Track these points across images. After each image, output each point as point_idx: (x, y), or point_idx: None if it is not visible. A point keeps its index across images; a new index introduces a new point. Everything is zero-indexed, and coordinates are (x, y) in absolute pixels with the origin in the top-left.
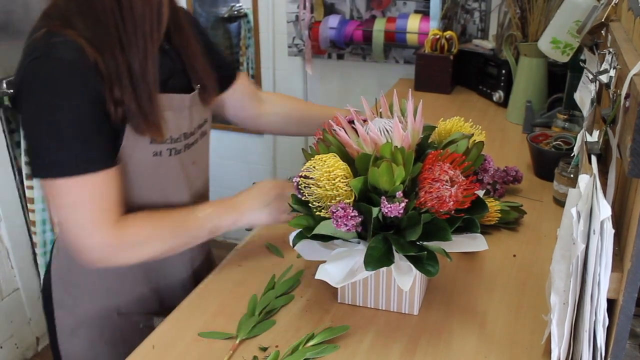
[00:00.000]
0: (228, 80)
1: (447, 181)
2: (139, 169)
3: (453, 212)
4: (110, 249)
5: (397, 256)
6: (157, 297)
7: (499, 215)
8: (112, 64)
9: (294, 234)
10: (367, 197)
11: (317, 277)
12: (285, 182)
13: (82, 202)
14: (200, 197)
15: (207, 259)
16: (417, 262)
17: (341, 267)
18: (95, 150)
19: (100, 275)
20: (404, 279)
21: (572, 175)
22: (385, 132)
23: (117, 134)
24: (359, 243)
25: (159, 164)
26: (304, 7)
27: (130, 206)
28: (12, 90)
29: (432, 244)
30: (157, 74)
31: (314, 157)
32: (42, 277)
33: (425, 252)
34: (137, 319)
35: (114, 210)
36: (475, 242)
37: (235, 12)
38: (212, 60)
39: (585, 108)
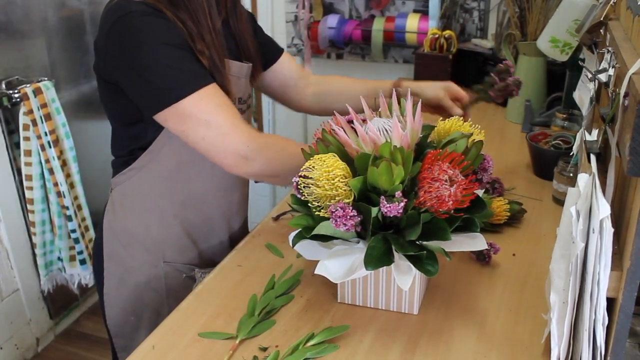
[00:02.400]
0: (272, 58)
1: (446, 181)
2: None
3: (452, 211)
4: (252, 146)
5: (397, 256)
6: (199, 251)
7: (508, 213)
8: (188, 24)
9: (293, 234)
10: (366, 196)
11: (316, 272)
12: None
13: (213, 110)
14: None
15: (244, 224)
16: (416, 261)
17: (341, 263)
18: (201, 69)
19: (148, 226)
20: (404, 279)
21: (571, 174)
22: (385, 132)
23: None
24: (358, 243)
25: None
26: (303, 7)
27: (177, 168)
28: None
29: (432, 244)
30: (221, 36)
31: (313, 156)
32: (41, 280)
33: (425, 252)
34: (181, 269)
35: (239, 116)
36: (474, 241)
37: None
38: (259, 41)
39: (585, 107)
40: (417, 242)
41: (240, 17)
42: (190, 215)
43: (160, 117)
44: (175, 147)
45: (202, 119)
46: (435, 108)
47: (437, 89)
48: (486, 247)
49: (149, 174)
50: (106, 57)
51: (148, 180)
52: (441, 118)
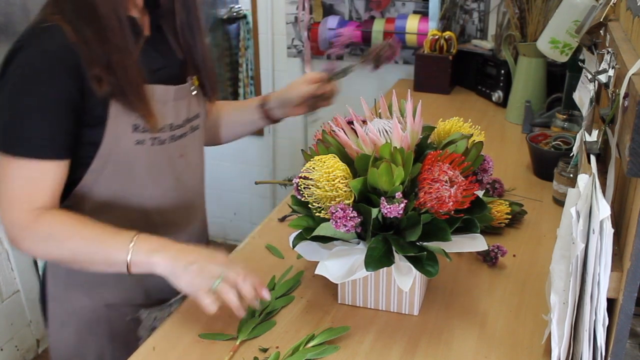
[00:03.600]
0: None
1: (446, 181)
2: (121, 157)
3: (452, 212)
4: (21, 233)
5: (397, 256)
6: (144, 290)
7: (509, 216)
8: (92, 44)
9: (293, 235)
10: (366, 197)
11: (316, 272)
12: (231, 272)
13: (12, 180)
14: (193, 194)
15: None
16: (416, 262)
17: (341, 264)
18: (45, 137)
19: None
20: (404, 280)
21: (571, 175)
22: (385, 133)
23: (99, 123)
24: (358, 244)
25: (142, 154)
26: (303, 8)
27: (114, 197)
28: None
29: (432, 245)
30: (137, 62)
31: (313, 158)
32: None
33: (425, 253)
34: (124, 311)
35: (41, 200)
36: (475, 242)
37: (235, 14)
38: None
39: (584, 108)
40: (418, 243)
41: (196, 31)
42: None
43: None
44: (106, 182)
45: (1, 179)
46: (309, 104)
47: (298, 84)
48: (486, 247)
49: (82, 211)
50: None
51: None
52: (441, 119)
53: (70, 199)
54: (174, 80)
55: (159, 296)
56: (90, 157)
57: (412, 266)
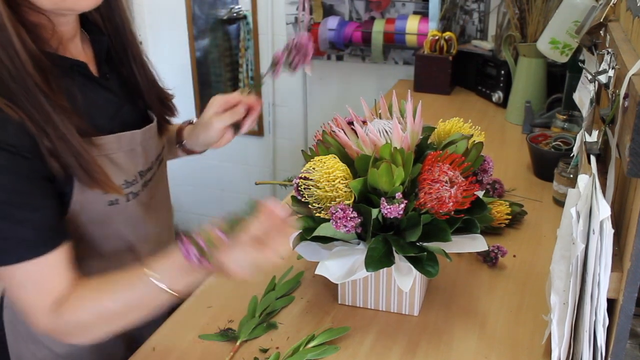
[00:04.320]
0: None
1: (446, 182)
2: (94, 220)
3: (453, 212)
4: (56, 334)
5: (397, 257)
6: (125, 344)
7: (509, 217)
8: (33, 119)
9: (293, 235)
10: (366, 198)
11: (317, 272)
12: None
13: (18, 289)
14: (166, 224)
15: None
16: (416, 262)
17: (341, 264)
18: (28, 237)
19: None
20: (404, 280)
21: (571, 176)
22: (385, 133)
23: (65, 193)
24: (358, 244)
25: (116, 212)
26: (303, 9)
27: (89, 256)
28: None
29: (432, 245)
30: (72, 125)
31: (313, 158)
32: None
33: (425, 253)
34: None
35: (54, 293)
36: (475, 243)
37: (235, 14)
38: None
39: (585, 108)
40: (418, 244)
41: (133, 59)
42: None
43: None
44: (77, 242)
45: (10, 290)
46: (232, 130)
47: (210, 120)
48: (486, 247)
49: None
50: None
51: None
52: (441, 119)
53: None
54: (134, 120)
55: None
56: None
57: (412, 266)
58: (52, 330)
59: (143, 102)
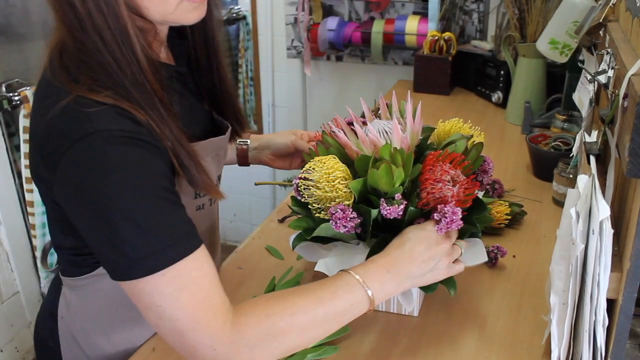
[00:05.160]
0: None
1: (448, 181)
2: None
3: None
4: (230, 349)
5: None
6: None
7: (509, 217)
8: (155, 121)
9: (293, 236)
10: (366, 198)
11: (316, 269)
12: (436, 236)
13: (189, 290)
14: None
15: None
16: None
17: (341, 262)
18: (184, 225)
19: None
20: (407, 297)
21: (571, 176)
22: (385, 134)
23: None
24: (358, 244)
25: (202, 216)
26: (303, 9)
27: None
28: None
29: None
30: (178, 122)
31: (313, 158)
32: (41, 283)
33: None
34: None
35: (222, 297)
36: (474, 249)
37: (234, 15)
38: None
39: (584, 108)
40: None
41: (218, 71)
42: None
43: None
44: None
45: (164, 304)
46: (284, 157)
47: (286, 133)
48: (487, 259)
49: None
50: (58, 186)
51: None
52: (441, 120)
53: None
54: (210, 124)
55: None
56: None
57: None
58: (225, 344)
59: (216, 111)
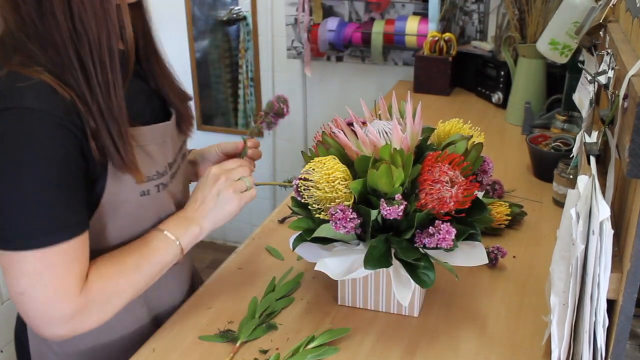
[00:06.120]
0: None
1: (447, 182)
2: (126, 211)
3: (454, 212)
4: (80, 317)
5: (397, 264)
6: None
7: (509, 217)
8: (83, 99)
9: (293, 236)
10: (366, 199)
11: (316, 268)
12: (220, 164)
13: (48, 273)
14: None
15: (191, 289)
16: (412, 270)
17: (340, 261)
18: (67, 216)
19: (80, 343)
20: (403, 291)
21: (571, 176)
22: (384, 134)
23: (99, 178)
24: (358, 245)
25: (148, 203)
26: (303, 10)
27: (109, 248)
28: None
29: (434, 252)
30: (124, 108)
31: (313, 159)
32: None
33: (422, 263)
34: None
35: (82, 275)
36: (474, 251)
37: (234, 15)
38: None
39: (584, 109)
40: (420, 248)
41: (155, 57)
42: (137, 312)
43: None
44: (108, 233)
45: (30, 277)
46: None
47: (217, 145)
48: (487, 261)
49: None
50: None
51: None
52: (441, 120)
53: None
54: (162, 112)
55: None
56: (90, 211)
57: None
58: (76, 314)
59: (164, 98)
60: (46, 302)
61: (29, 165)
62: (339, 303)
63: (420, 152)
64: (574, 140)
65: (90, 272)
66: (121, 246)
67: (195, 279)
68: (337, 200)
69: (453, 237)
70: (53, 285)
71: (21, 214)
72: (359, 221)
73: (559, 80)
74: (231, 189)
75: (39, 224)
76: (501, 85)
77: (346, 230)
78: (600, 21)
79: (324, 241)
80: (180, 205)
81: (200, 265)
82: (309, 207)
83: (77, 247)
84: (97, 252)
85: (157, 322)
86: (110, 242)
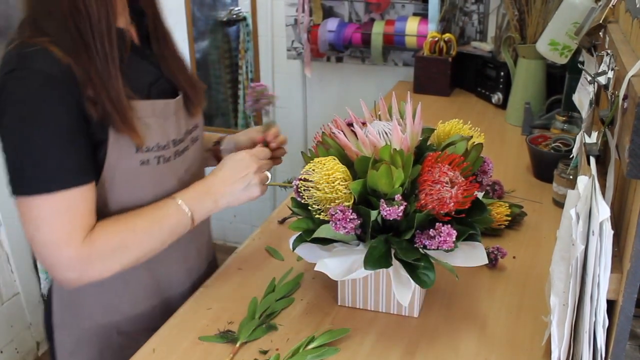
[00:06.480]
0: None
1: (447, 182)
2: (127, 179)
3: (453, 213)
4: (83, 264)
5: (397, 265)
6: (158, 312)
7: (509, 218)
8: (81, 66)
9: (293, 237)
10: (366, 199)
11: (316, 269)
12: (255, 151)
13: (53, 218)
14: None
15: (210, 268)
16: (412, 271)
17: (340, 262)
18: (71, 165)
19: (99, 293)
20: (403, 292)
21: (571, 177)
22: (384, 135)
23: (101, 143)
24: (358, 245)
25: (148, 173)
26: (303, 11)
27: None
28: None
29: (434, 252)
30: (119, 77)
31: (313, 160)
32: (41, 284)
33: (422, 263)
34: (137, 337)
35: (86, 225)
36: (474, 252)
37: (234, 16)
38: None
39: (584, 109)
40: (420, 249)
41: (165, 44)
42: (144, 279)
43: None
44: (114, 199)
45: (38, 221)
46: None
47: (250, 131)
48: (487, 261)
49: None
50: None
51: None
52: (441, 121)
53: None
54: (169, 92)
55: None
56: (97, 176)
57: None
58: (79, 260)
59: (174, 81)
60: (51, 247)
61: (35, 119)
62: (339, 303)
63: (420, 152)
64: (574, 140)
65: (97, 225)
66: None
67: (212, 268)
68: (337, 201)
69: (454, 239)
70: (57, 231)
71: (30, 163)
72: (359, 222)
73: (558, 80)
74: (259, 178)
75: (46, 171)
76: (501, 86)
77: (346, 230)
78: (600, 22)
79: (324, 242)
80: (184, 184)
81: None
82: (309, 207)
83: (81, 196)
84: (100, 215)
85: (160, 310)
86: (110, 213)
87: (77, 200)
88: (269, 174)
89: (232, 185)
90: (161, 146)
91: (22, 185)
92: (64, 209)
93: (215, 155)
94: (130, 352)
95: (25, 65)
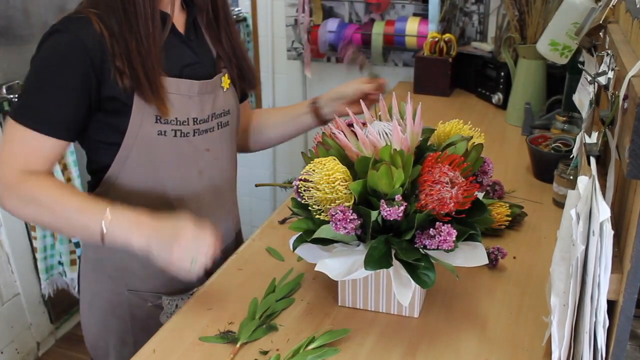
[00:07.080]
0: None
1: (447, 183)
2: (145, 146)
3: (454, 213)
4: (5, 191)
5: (398, 265)
6: (166, 279)
7: (510, 218)
8: (119, 40)
9: (294, 237)
10: (366, 200)
11: (316, 269)
12: (204, 238)
13: (15, 144)
14: (219, 189)
15: (237, 240)
16: (412, 271)
17: (341, 262)
18: (55, 117)
19: (113, 253)
20: (404, 292)
21: (571, 177)
22: (385, 135)
23: (124, 113)
24: (358, 246)
25: (166, 144)
26: (303, 11)
27: (138, 186)
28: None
29: (434, 252)
30: (157, 54)
31: (313, 160)
32: (41, 284)
33: (422, 263)
34: (146, 297)
35: (32, 166)
36: (475, 252)
37: (234, 16)
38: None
39: (584, 110)
40: (420, 249)
41: (228, 34)
42: None
43: None
44: (131, 170)
45: (3, 140)
46: (357, 103)
47: (354, 83)
48: (487, 261)
49: (109, 197)
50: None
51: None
52: (441, 121)
53: (101, 186)
54: (203, 76)
55: (180, 286)
56: (118, 145)
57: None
58: (4, 185)
59: (218, 67)
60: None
61: (52, 69)
62: (339, 304)
63: (421, 153)
64: (574, 141)
65: (42, 175)
66: (133, 190)
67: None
68: (337, 201)
69: (454, 238)
70: (8, 154)
71: (27, 96)
72: (359, 222)
73: (559, 81)
74: (203, 256)
75: (34, 109)
76: (501, 86)
77: (346, 231)
78: (600, 22)
79: (324, 242)
80: (205, 163)
81: None
82: (309, 208)
83: (45, 143)
84: (110, 191)
85: (167, 275)
86: (124, 182)
87: (41, 144)
88: (205, 261)
89: (174, 237)
90: (180, 121)
91: (14, 109)
92: (27, 145)
93: (316, 114)
94: (138, 311)
95: (66, 26)
